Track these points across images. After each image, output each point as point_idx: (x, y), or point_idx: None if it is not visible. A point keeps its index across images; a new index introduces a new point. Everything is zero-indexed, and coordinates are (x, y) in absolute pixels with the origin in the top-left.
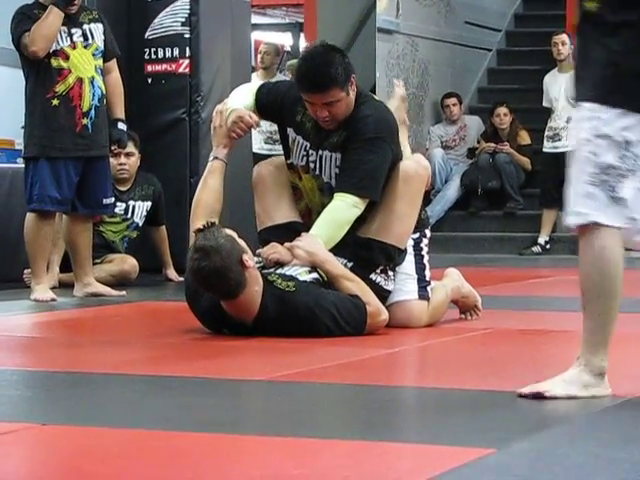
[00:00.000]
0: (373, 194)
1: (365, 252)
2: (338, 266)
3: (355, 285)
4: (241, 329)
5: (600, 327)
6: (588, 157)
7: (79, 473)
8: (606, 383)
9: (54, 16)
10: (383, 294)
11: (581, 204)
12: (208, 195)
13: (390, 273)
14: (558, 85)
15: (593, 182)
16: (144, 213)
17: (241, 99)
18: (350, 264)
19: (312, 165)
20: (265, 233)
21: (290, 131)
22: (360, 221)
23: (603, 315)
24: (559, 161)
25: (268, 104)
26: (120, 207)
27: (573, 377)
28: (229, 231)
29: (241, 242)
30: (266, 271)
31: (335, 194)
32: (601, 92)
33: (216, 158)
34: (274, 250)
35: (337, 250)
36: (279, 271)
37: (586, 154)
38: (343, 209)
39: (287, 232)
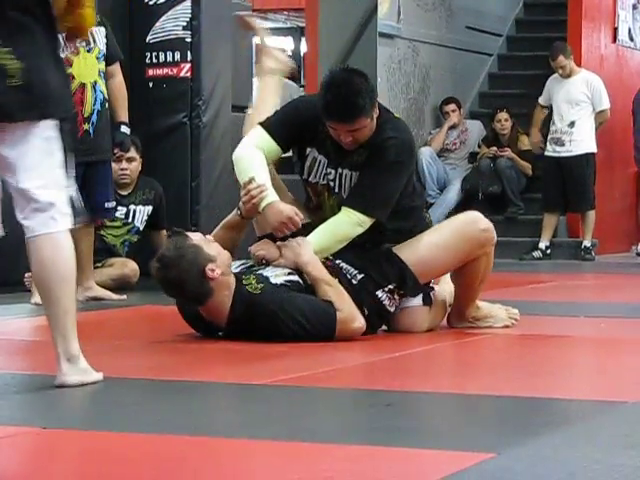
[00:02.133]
0: (381, 216)
1: (383, 264)
2: (320, 269)
3: (332, 290)
4: (219, 331)
5: None
6: None
7: (79, 477)
8: None
9: None
10: (382, 313)
11: None
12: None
13: (396, 297)
14: (559, 89)
15: None
16: (145, 217)
17: (261, 162)
18: (360, 276)
19: (332, 184)
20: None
21: (312, 151)
22: (399, 236)
23: None
24: (561, 166)
25: (289, 134)
26: (121, 211)
27: None
28: (196, 239)
29: (211, 248)
30: (247, 269)
31: (343, 207)
32: None
33: (241, 216)
34: (262, 247)
35: (352, 259)
36: (259, 271)
37: None
38: (347, 224)
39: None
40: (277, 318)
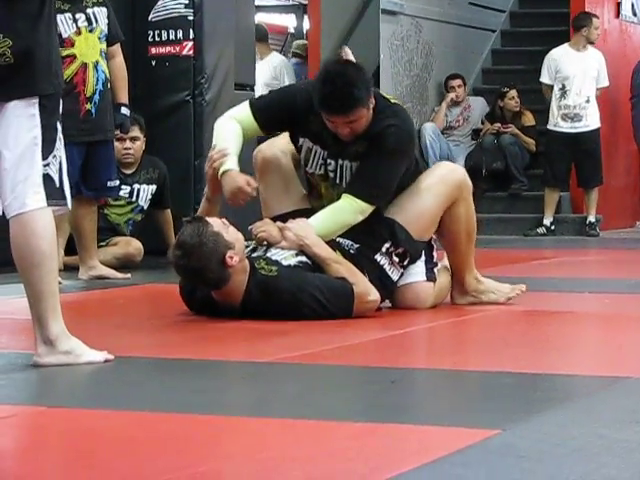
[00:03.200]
0: (382, 203)
1: (373, 226)
2: (327, 249)
3: (343, 267)
4: (232, 314)
5: None
6: None
7: (83, 455)
8: None
9: None
10: (386, 281)
11: None
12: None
13: (395, 259)
14: (575, 63)
15: None
16: (149, 196)
17: (232, 133)
18: (356, 245)
19: (332, 174)
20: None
21: (305, 141)
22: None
23: None
24: (575, 141)
25: (273, 119)
26: (125, 190)
27: None
28: (216, 225)
29: (230, 234)
30: (256, 254)
31: (344, 194)
32: None
33: (207, 199)
34: (264, 228)
35: (344, 232)
36: (267, 254)
37: None
38: (348, 212)
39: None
40: (297, 299)
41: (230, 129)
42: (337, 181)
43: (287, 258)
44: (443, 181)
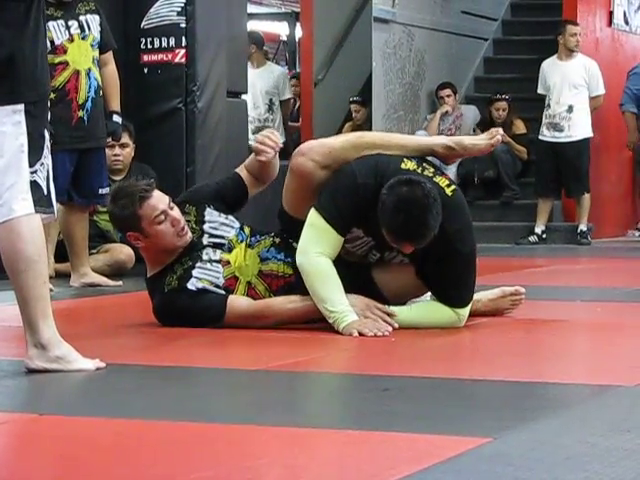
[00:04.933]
0: (470, 299)
1: (360, 286)
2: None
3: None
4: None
5: None
6: None
7: (76, 463)
8: None
9: None
10: None
11: None
12: None
13: None
14: (557, 72)
15: None
16: None
17: (332, 278)
18: None
19: (372, 259)
20: (287, 216)
21: (357, 230)
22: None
23: None
24: (557, 151)
25: (350, 224)
26: None
27: None
28: (150, 206)
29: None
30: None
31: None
32: None
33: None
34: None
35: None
36: (199, 265)
37: None
38: (448, 317)
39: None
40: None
41: (329, 275)
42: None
43: (202, 280)
44: None
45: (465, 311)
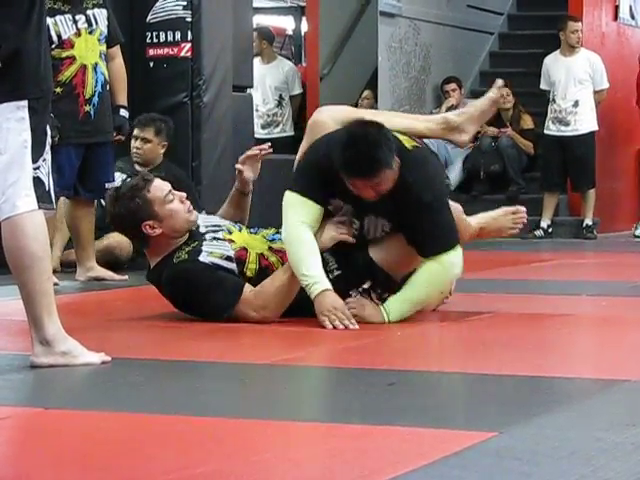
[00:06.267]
0: (458, 239)
1: (357, 258)
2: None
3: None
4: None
5: None
6: None
7: (81, 457)
8: None
9: None
10: None
11: None
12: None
13: (373, 296)
14: (561, 68)
15: None
16: None
17: (311, 244)
18: (336, 272)
19: (355, 231)
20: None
21: (335, 200)
22: (378, 243)
23: None
24: (564, 145)
25: (323, 194)
26: None
27: None
28: (158, 192)
29: (164, 209)
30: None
31: (428, 260)
32: None
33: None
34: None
35: (334, 250)
36: (206, 242)
37: None
38: (441, 272)
39: None
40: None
41: (306, 240)
42: (359, 233)
43: (213, 254)
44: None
45: (451, 256)
